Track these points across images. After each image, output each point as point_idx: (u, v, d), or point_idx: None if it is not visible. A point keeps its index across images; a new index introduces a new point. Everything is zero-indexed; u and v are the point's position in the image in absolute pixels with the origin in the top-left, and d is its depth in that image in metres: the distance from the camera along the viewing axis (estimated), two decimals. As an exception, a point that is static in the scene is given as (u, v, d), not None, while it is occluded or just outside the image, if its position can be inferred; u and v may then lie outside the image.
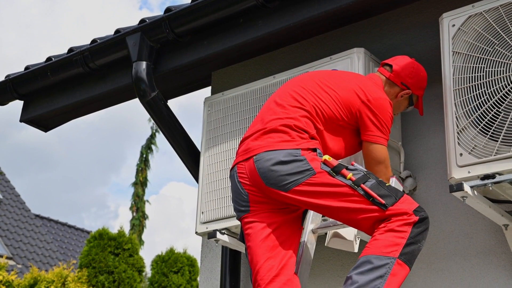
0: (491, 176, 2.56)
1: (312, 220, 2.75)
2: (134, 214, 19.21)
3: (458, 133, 2.67)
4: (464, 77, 2.71)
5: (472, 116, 2.65)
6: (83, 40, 36.31)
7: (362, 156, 2.75)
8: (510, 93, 2.58)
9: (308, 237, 2.69)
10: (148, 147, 20.15)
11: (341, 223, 2.68)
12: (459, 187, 2.58)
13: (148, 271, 12.63)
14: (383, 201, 2.36)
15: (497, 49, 2.65)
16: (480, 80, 2.66)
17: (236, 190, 2.57)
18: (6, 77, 4.22)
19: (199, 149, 3.63)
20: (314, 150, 2.49)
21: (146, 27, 3.63)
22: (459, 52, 2.75)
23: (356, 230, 2.84)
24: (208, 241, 3.68)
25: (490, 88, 2.63)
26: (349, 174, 2.41)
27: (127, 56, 3.68)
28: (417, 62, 2.96)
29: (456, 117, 2.69)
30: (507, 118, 2.56)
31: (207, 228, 3.33)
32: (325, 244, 2.92)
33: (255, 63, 3.83)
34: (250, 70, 3.86)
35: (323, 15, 3.20)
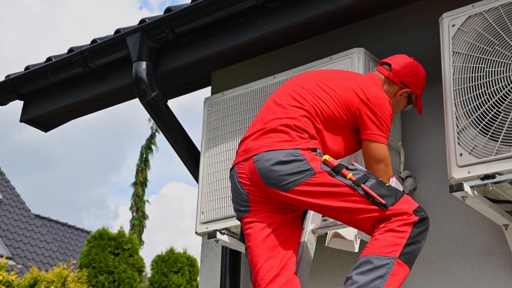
0: (491, 176, 2.56)
1: (312, 220, 2.76)
2: (134, 214, 19.21)
3: (458, 133, 2.67)
4: (464, 77, 2.71)
5: (472, 116, 2.65)
6: (83, 40, 36.32)
7: (362, 156, 2.75)
8: (510, 93, 2.58)
9: (308, 237, 2.69)
10: (148, 147, 20.16)
11: (341, 223, 2.68)
12: (459, 187, 2.58)
13: (148, 271, 12.64)
14: (383, 201, 2.36)
15: (497, 49, 2.65)
16: (480, 80, 2.66)
17: (236, 190, 2.57)
18: (6, 77, 4.22)
19: (199, 149, 3.63)
20: (314, 150, 2.49)
21: (146, 27, 3.63)
22: (459, 52, 2.75)
23: (356, 230, 2.84)
24: (208, 241, 3.68)
25: (490, 88, 2.63)
26: (349, 174, 2.41)
27: (127, 56, 3.68)
28: (416, 61, 2.96)
29: (456, 117, 2.69)
30: (507, 118, 2.56)
31: (207, 228, 3.33)
32: (326, 244, 2.92)
33: (255, 63, 3.83)
34: (250, 70, 3.86)
35: (323, 15, 3.20)
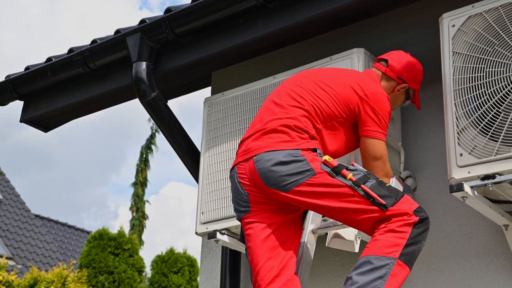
0: (491, 176, 2.56)
1: (312, 220, 2.75)
2: (134, 214, 19.20)
3: (458, 133, 2.67)
4: (464, 77, 2.71)
5: (472, 116, 2.65)
6: (83, 40, 36.31)
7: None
8: (510, 94, 2.58)
9: (308, 238, 2.68)
10: (148, 147, 20.16)
11: (341, 223, 2.67)
12: (459, 187, 2.57)
13: (148, 271, 12.63)
14: (383, 202, 2.36)
15: (497, 49, 2.65)
16: (480, 81, 2.66)
17: (236, 191, 2.57)
18: (6, 77, 4.22)
19: (199, 149, 3.63)
20: (314, 150, 2.49)
21: (146, 27, 3.63)
22: (459, 53, 2.75)
23: (356, 230, 2.84)
24: (208, 242, 3.67)
25: (490, 89, 2.63)
26: (349, 175, 2.41)
27: (127, 56, 3.68)
28: (413, 56, 2.97)
29: (456, 117, 2.69)
30: (507, 118, 2.56)
31: (207, 228, 3.33)
32: (326, 245, 2.92)
33: (255, 63, 3.83)
34: (250, 70, 3.86)
35: (323, 15, 3.19)
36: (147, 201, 19.72)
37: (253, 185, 2.51)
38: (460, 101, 2.69)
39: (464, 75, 2.71)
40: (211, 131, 3.50)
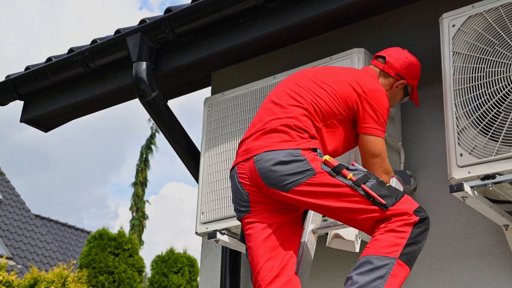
0: (492, 176, 2.56)
1: (313, 220, 2.75)
2: (134, 214, 19.20)
3: (458, 133, 2.67)
4: (464, 77, 2.71)
5: (472, 116, 2.65)
6: (83, 40, 36.31)
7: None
8: (510, 94, 2.58)
9: (308, 237, 2.68)
10: (148, 147, 20.15)
11: (342, 223, 2.67)
12: (459, 187, 2.57)
13: (148, 271, 12.63)
14: (383, 202, 2.36)
15: (497, 49, 2.65)
16: (480, 80, 2.66)
17: (237, 191, 2.57)
18: (6, 77, 4.22)
19: (199, 149, 3.63)
20: (315, 150, 2.49)
21: (146, 27, 3.63)
22: (459, 52, 2.75)
23: (357, 230, 2.84)
24: (208, 241, 3.67)
25: (490, 88, 2.63)
26: (350, 175, 2.40)
27: (127, 56, 3.68)
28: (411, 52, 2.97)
29: (456, 117, 2.69)
30: (507, 118, 2.56)
31: (207, 228, 3.33)
32: (326, 244, 2.92)
33: (255, 63, 3.83)
34: (250, 70, 3.86)
35: (323, 15, 3.19)
36: (147, 201, 19.72)
37: (253, 185, 2.51)
38: (460, 101, 2.69)
39: (464, 75, 2.71)
40: (211, 131, 3.50)
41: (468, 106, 2.67)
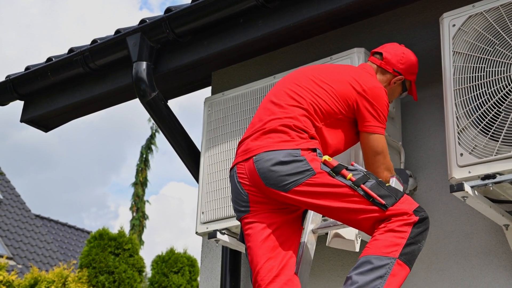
0: (492, 176, 2.56)
1: (312, 220, 2.75)
2: (134, 214, 19.20)
3: (458, 133, 2.66)
4: (464, 77, 2.71)
5: (472, 116, 2.65)
6: (83, 40, 36.33)
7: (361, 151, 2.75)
8: (510, 93, 2.58)
9: (308, 237, 2.68)
10: (148, 147, 20.15)
11: (341, 223, 2.67)
12: (459, 187, 2.57)
13: (148, 271, 12.63)
14: (383, 202, 2.36)
15: (498, 49, 2.65)
16: (481, 80, 2.66)
17: (236, 191, 2.57)
18: (6, 77, 4.22)
19: (199, 149, 3.62)
20: (314, 150, 2.49)
21: (146, 27, 3.63)
22: (459, 52, 2.75)
23: (357, 229, 2.84)
24: (208, 241, 3.67)
25: (490, 88, 2.63)
26: (349, 175, 2.40)
27: (127, 56, 3.68)
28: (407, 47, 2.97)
29: (457, 117, 2.68)
30: (508, 118, 2.56)
31: (207, 228, 3.33)
32: (327, 244, 2.92)
33: (255, 63, 3.83)
34: (250, 70, 3.86)
35: (323, 15, 3.19)
36: (147, 201, 19.72)
37: (252, 185, 2.51)
38: (461, 100, 2.69)
39: (464, 74, 2.71)
40: (211, 131, 3.50)
41: (468, 106, 2.67)
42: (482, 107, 2.63)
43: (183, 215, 37.76)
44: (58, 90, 4.11)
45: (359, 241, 2.88)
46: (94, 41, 3.90)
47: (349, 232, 2.87)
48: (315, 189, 2.41)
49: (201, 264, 3.77)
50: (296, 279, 2.49)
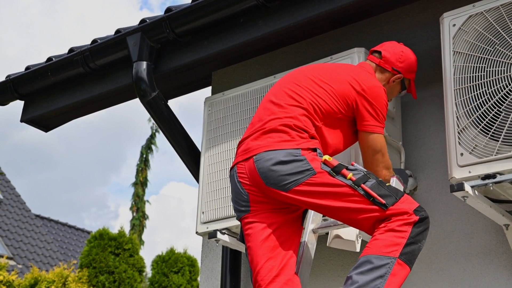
0: (492, 176, 2.56)
1: (313, 220, 2.75)
2: (134, 214, 19.21)
3: (458, 133, 2.66)
4: (464, 76, 2.71)
5: (472, 116, 2.65)
6: (83, 40, 36.33)
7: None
8: (511, 93, 2.58)
9: (308, 237, 2.68)
10: (148, 147, 20.15)
11: (342, 223, 2.67)
12: (459, 187, 2.57)
13: (148, 271, 12.63)
14: (383, 201, 2.36)
15: (498, 48, 2.65)
16: (481, 80, 2.66)
17: (236, 190, 2.57)
18: (6, 77, 4.22)
19: (200, 149, 3.62)
20: (314, 150, 2.49)
21: (146, 27, 3.63)
22: (459, 52, 2.75)
23: (357, 229, 2.84)
24: (209, 241, 3.67)
25: (491, 88, 2.63)
26: (349, 174, 2.40)
27: (127, 56, 3.68)
28: (406, 46, 2.97)
29: (457, 116, 2.68)
30: (508, 118, 2.56)
31: (207, 228, 3.33)
32: (327, 244, 2.92)
33: (256, 63, 3.83)
34: (251, 70, 3.86)
35: (323, 15, 3.19)
36: (147, 201, 19.72)
37: (253, 185, 2.51)
38: (461, 100, 2.69)
39: (464, 74, 2.71)
40: (211, 130, 3.50)
41: (468, 106, 2.67)
42: (482, 107, 2.63)
43: (183, 215, 37.78)
44: (58, 90, 4.11)
45: (359, 241, 2.88)
46: (94, 41, 3.90)
47: (350, 233, 2.87)
48: (315, 188, 2.41)
49: (201, 264, 3.76)
50: (297, 279, 2.49)
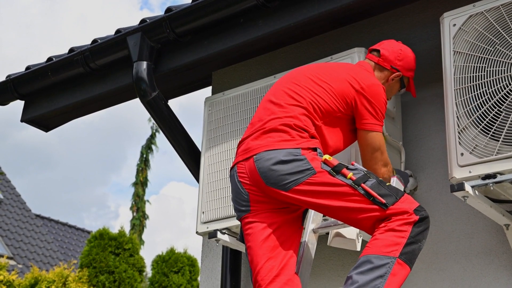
0: (492, 175, 2.56)
1: (313, 219, 2.75)
2: (135, 214, 19.21)
3: (459, 132, 2.66)
4: (465, 76, 2.71)
5: (473, 115, 2.65)
6: (84, 40, 36.35)
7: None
8: (511, 93, 2.57)
9: (309, 237, 2.68)
10: (148, 147, 20.16)
11: (342, 222, 2.67)
12: (460, 186, 2.57)
13: (148, 271, 12.64)
14: (383, 201, 2.36)
15: (498, 48, 2.65)
16: (481, 80, 2.66)
17: (236, 190, 2.57)
18: (7, 77, 4.22)
19: (200, 149, 3.62)
20: (315, 149, 2.49)
21: (146, 27, 3.63)
22: (460, 52, 2.75)
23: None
24: (209, 241, 3.67)
25: (491, 88, 2.62)
26: (350, 174, 2.40)
27: (127, 56, 3.68)
28: (405, 44, 2.97)
29: (457, 116, 2.68)
30: (508, 118, 2.55)
31: (207, 228, 3.33)
32: (328, 244, 2.92)
33: (256, 63, 3.83)
34: (251, 70, 3.86)
35: (324, 15, 3.19)
36: (148, 201, 19.73)
37: (253, 184, 2.51)
38: (461, 100, 2.69)
39: (465, 74, 2.71)
40: (211, 130, 3.50)
41: (469, 106, 2.67)
42: (482, 107, 2.63)
43: (183, 215, 37.79)
44: (59, 90, 4.11)
45: (360, 240, 2.88)
46: (94, 41, 3.90)
47: (350, 231, 2.87)
48: (315, 188, 2.41)
49: (202, 264, 3.76)
50: (297, 278, 2.49)
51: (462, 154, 2.63)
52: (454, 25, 2.79)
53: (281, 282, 2.44)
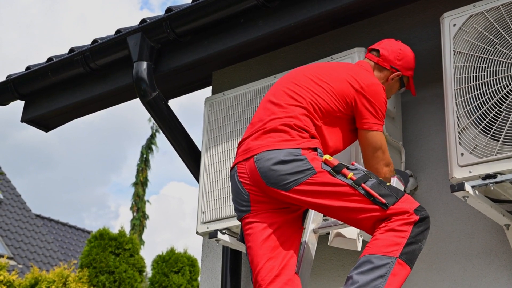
0: (493, 176, 2.56)
1: (313, 219, 2.75)
2: (135, 214, 19.21)
3: (459, 132, 2.66)
4: (465, 76, 2.71)
5: (473, 115, 2.65)
6: (84, 40, 36.36)
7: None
8: (511, 93, 2.57)
9: (309, 237, 2.68)
10: (148, 147, 20.16)
11: (342, 222, 2.67)
12: (460, 187, 2.57)
13: (148, 271, 12.64)
14: (383, 201, 2.36)
15: (498, 48, 2.65)
16: (481, 80, 2.66)
17: (237, 190, 2.57)
18: (7, 77, 4.22)
19: (200, 149, 3.62)
20: (315, 149, 2.49)
21: (147, 27, 3.63)
22: (460, 52, 2.75)
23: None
24: (209, 241, 3.67)
25: (491, 88, 2.62)
26: (350, 174, 2.40)
27: (127, 56, 3.68)
28: (404, 43, 2.97)
29: (457, 116, 2.68)
30: (508, 118, 2.55)
31: (208, 228, 3.33)
32: (328, 244, 2.92)
33: (256, 63, 3.83)
34: (251, 70, 3.86)
35: (323, 15, 3.19)
36: (148, 201, 19.73)
37: (253, 184, 2.51)
38: (461, 100, 2.69)
39: (465, 74, 2.71)
40: (211, 130, 3.50)
41: (469, 106, 2.67)
42: (482, 107, 2.63)
43: (183, 215, 37.79)
44: (59, 90, 4.11)
45: (360, 240, 2.88)
46: (94, 41, 3.90)
47: (351, 231, 2.87)
48: (315, 188, 2.41)
49: (202, 264, 3.76)
50: (297, 278, 2.49)
51: (462, 154, 2.63)
52: (454, 25, 2.79)
53: (282, 282, 2.44)
